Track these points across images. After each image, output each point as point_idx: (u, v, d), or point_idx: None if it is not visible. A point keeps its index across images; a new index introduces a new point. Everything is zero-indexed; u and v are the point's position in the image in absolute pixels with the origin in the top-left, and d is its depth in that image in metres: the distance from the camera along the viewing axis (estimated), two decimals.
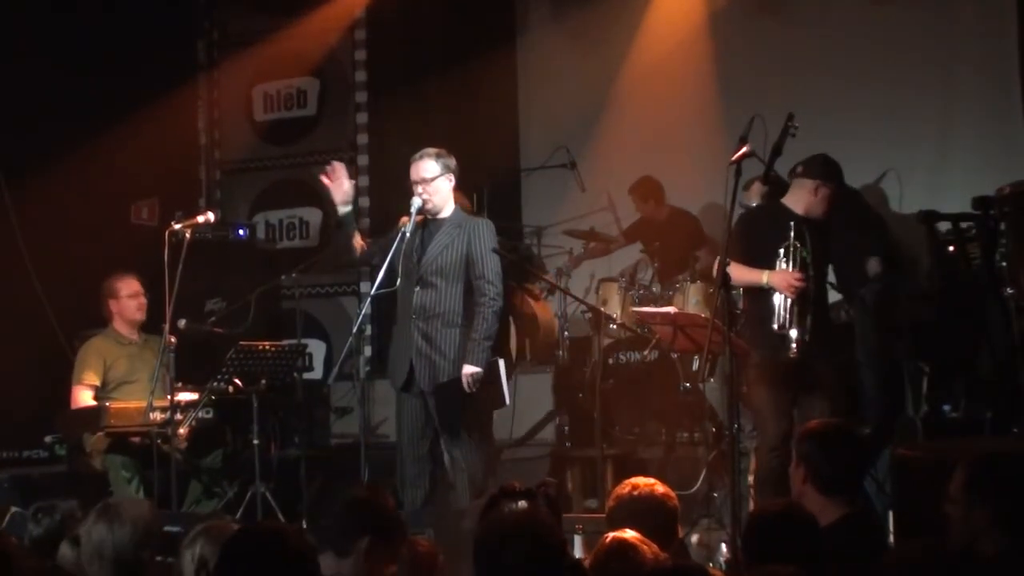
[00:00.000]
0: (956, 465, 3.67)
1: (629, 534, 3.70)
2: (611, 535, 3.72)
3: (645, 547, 3.64)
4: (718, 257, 5.89)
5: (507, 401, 6.45)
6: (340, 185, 6.42)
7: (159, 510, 6.38)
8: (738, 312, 6.77)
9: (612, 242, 9.15)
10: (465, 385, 6.17)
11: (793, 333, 6.10)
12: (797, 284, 6.10)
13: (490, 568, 3.26)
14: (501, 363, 6.27)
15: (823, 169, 6.31)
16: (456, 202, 6.47)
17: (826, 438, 4.25)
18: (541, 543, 3.28)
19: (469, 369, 6.17)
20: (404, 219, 6.29)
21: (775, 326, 6.15)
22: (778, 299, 6.16)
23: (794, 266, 6.14)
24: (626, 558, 3.54)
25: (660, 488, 4.25)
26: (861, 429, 6.76)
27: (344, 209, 6.44)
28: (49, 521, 4.60)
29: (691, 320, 6.82)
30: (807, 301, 6.16)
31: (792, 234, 6.16)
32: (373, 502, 4.10)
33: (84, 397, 7.18)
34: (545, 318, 8.58)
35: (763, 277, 6.18)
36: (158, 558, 4.19)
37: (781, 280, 6.14)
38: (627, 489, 4.26)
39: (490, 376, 6.23)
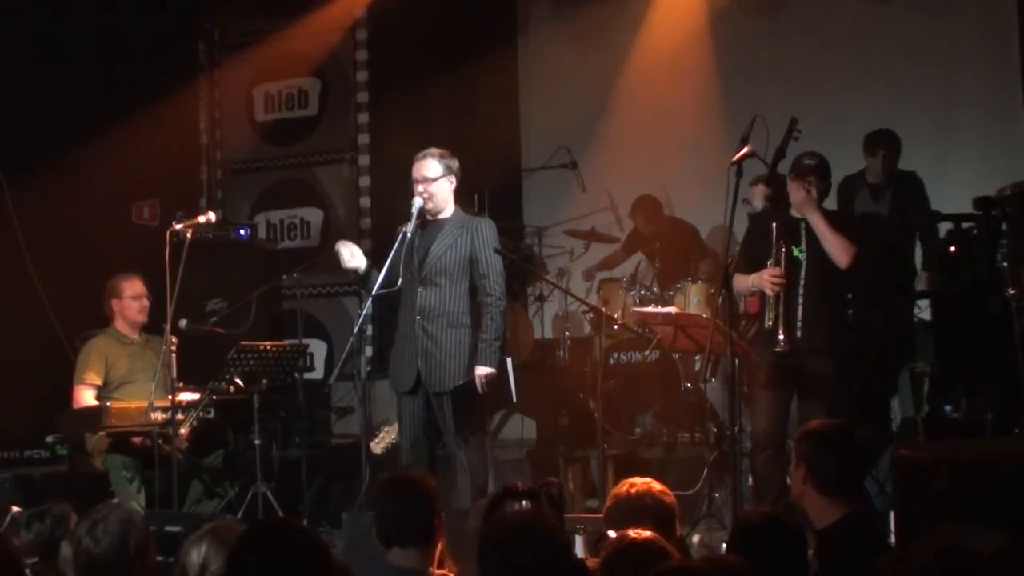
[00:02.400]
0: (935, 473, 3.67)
1: (643, 532, 3.68)
2: (624, 533, 3.69)
3: (660, 545, 3.63)
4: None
5: (515, 398, 6.46)
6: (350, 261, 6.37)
7: (159, 511, 6.41)
8: (740, 312, 6.82)
9: (614, 258, 9.11)
10: (479, 386, 6.17)
11: (780, 328, 6.20)
12: (775, 280, 6.23)
13: (494, 568, 3.26)
14: (509, 361, 6.28)
15: (790, 166, 6.38)
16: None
17: (825, 438, 4.25)
18: (546, 543, 3.28)
19: (483, 370, 6.17)
20: (401, 226, 6.29)
21: (766, 324, 6.29)
22: (768, 298, 6.28)
23: (777, 265, 6.23)
24: (640, 557, 3.53)
25: (656, 487, 4.25)
26: (861, 429, 6.77)
27: (362, 267, 6.37)
28: (40, 526, 4.60)
29: (692, 320, 6.84)
30: (794, 297, 6.22)
31: (773, 235, 6.24)
32: (428, 486, 4.07)
33: (86, 397, 7.19)
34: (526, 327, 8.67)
35: (749, 280, 6.33)
36: (158, 558, 4.19)
37: (761, 280, 6.29)
38: (624, 489, 4.26)
39: (500, 375, 6.25)
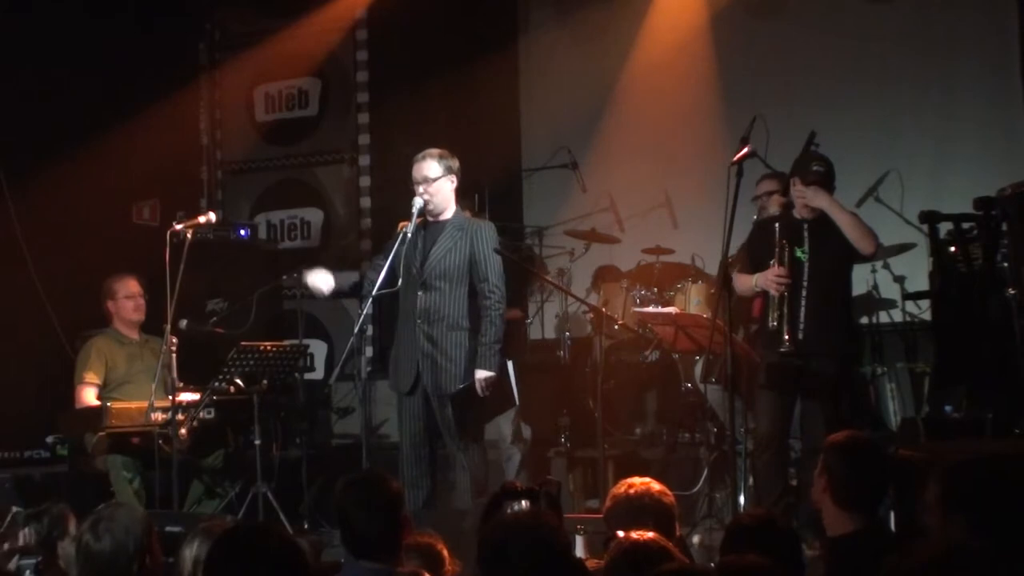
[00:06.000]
0: (932, 474, 3.64)
1: (646, 534, 3.67)
2: (628, 535, 3.69)
3: (663, 547, 3.62)
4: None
5: (516, 401, 6.45)
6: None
7: (160, 511, 6.41)
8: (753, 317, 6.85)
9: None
10: (479, 390, 6.17)
11: (784, 329, 6.18)
12: (778, 280, 6.21)
13: (494, 568, 3.26)
14: (510, 364, 6.29)
15: (794, 166, 6.40)
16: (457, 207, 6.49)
17: (850, 453, 4.17)
18: (546, 543, 3.28)
19: (482, 374, 6.17)
20: (403, 223, 6.29)
21: (770, 324, 6.28)
22: (772, 298, 6.27)
23: (780, 265, 6.23)
24: (645, 559, 3.52)
25: (656, 486, 4.24)
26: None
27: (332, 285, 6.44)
28: (38, 525, 4.61)
29: (692, 320, 6.84)
30: (797, 298, 6.21)
31: (776, 236, 6.25)
32: (398, 494, 4.03)
33: (89, 395, 7.20)
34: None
35: (753, 280, 6.33)
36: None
37: (764, 280, 6.27)
38: (623, 489, 4.26)
39: (501, 377, 6.26)
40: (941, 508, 3.49)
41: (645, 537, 3.61)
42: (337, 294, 6.56)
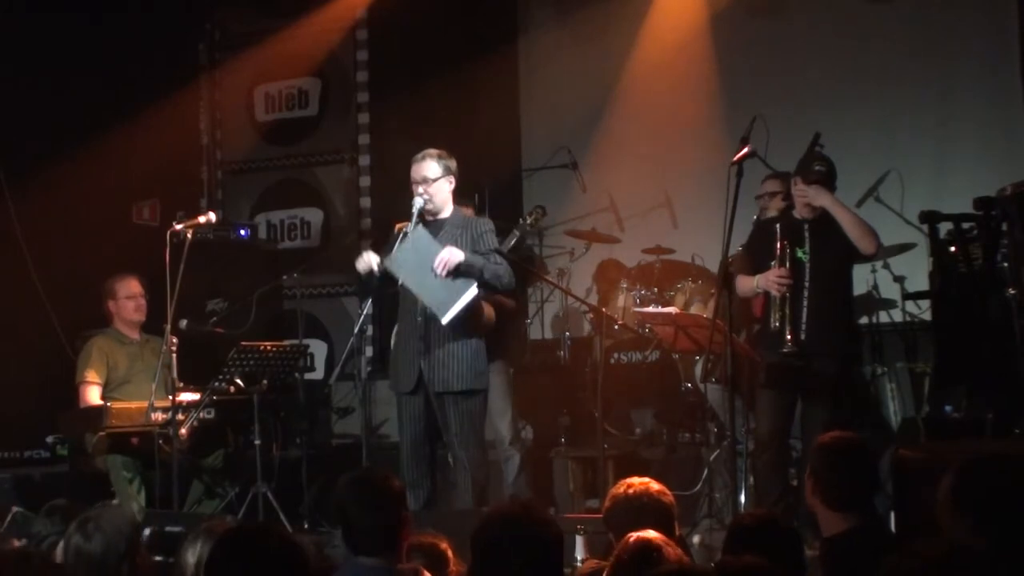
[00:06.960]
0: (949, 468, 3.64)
1: (652, 534, 3.68)
2: (635, 535, 3.69)
3: (669, 548, 3.63)
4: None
5: (445, 319, 6.17)
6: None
7: (160, 511, 6.42)
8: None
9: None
10: (438, 262, 5.99)
11: (787, 329, 6.17)
12: (780, 281, 6.21)
13: (489, 565, 3.26)
14: (473, 289, 6.15)
15: (797, 167, 6.40)
16: (461, 208, 6.49)
17: (835, 453, 4.18)
18: (540, 539, 3.28)
19: (456, 253, 6.02)
20: (400, 224, 6.28)
21: (772, 325, 6.26)
22: (774, 299, 6.25)
23: (782, 266, 6.22)
24: (650, 559, 3.52)
25: (655, 486, 4.25)
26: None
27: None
28: (60, 520, 4.61)
29: (692, 320, 6.84)
30: (799, 299, 6.21)
31: (777, 236, 6.24)
32: (399, 492, 4.01)
33: (93, 394, 7.20)
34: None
35: (754, 282, 6.31)
36: (158, 558, 4.20)
37: (766, 281, 6.26)
38: (622, 489, 4.26)
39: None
40: (949, 505, 3.50)
41: (652, 537, 3.61)
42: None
